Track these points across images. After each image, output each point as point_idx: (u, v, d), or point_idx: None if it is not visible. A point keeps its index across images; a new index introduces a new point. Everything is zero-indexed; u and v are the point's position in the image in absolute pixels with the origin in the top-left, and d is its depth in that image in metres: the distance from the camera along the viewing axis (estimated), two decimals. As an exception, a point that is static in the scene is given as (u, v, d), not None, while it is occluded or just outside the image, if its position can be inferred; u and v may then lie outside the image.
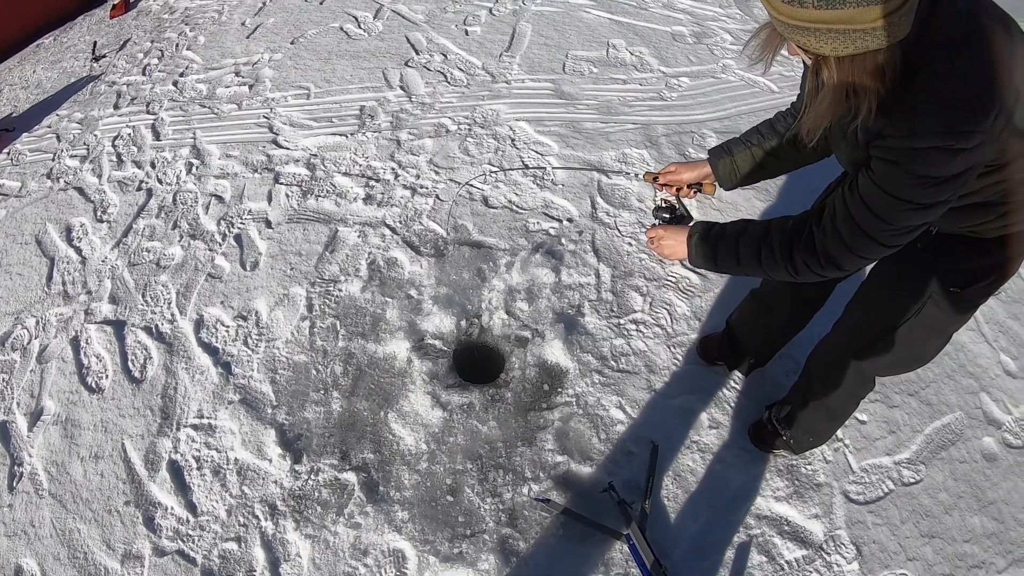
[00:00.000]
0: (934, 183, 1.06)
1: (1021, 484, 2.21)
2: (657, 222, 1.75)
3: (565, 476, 2.02)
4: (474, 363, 2.35)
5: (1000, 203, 1.25)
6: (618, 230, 2.65)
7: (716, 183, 1.76)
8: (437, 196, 2.84)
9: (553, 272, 2.49)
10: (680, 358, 2.30)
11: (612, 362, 2.28)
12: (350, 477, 2.03)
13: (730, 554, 1.93)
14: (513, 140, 3.09)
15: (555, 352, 2.29)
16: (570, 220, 2.69)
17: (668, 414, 2.17)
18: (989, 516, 2.11)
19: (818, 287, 1.87)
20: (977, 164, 1.08)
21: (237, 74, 3.97)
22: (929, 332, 1.51)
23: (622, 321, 2.38)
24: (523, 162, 2.95)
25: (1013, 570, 2.03)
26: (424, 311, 2.41)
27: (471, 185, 2.86)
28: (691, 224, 1.51)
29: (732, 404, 2.20)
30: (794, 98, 1.53)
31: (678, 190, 1.81)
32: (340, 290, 2.51)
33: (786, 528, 1.99)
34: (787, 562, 1.93)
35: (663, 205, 1.77)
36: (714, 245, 1.42)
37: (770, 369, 2.24)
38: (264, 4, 4.79)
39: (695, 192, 1.81)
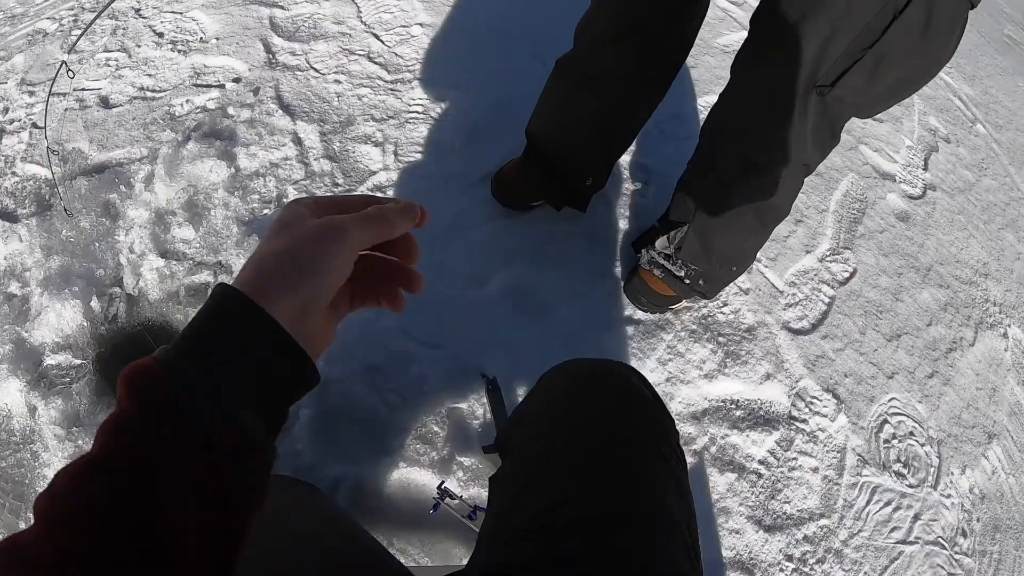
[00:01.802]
0: None
1: (941, 236, 1.72)
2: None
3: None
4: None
5: None
6: (314, 69, 1.59)
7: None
8: (33, 124, 1.54)
9: (223, 159, 1.39)
10: (473, 220, 1.37)
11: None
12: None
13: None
14: (138, 10, 1.84)
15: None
16: (237, 80, 1.57)
17: (488, 322, 1.24)
18: (934, 284, 1.58)
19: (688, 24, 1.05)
20: None
21: None
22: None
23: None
24: (154, 31, 1.73)
25: (983, 337, 1.54)
26: (32, 312, 1.20)
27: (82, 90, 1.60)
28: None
29: (579, 262, 1.34)
30: None
31: None
32: None
33: (736, 413, 1.23)
34: (760, 462, 1.18)
35: None
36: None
37: (615, 187, 1.43)
38: None
39: None
